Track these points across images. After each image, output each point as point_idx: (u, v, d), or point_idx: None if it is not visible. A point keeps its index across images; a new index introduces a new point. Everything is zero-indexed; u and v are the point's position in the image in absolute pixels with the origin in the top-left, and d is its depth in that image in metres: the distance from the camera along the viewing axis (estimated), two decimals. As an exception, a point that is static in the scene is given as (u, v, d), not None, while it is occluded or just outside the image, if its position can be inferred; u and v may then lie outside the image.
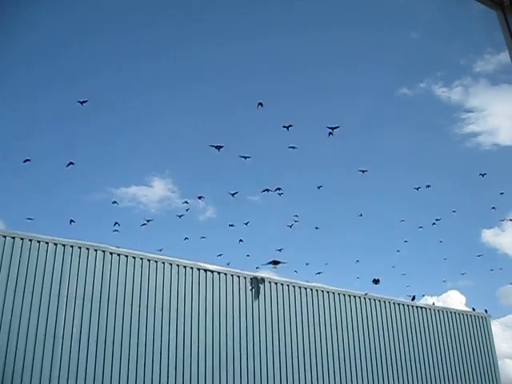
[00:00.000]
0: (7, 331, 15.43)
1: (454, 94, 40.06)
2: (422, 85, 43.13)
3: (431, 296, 35.10)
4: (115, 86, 38.68)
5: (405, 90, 40.67)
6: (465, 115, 40.00)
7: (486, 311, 26.90)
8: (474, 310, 26.71)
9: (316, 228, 28.71)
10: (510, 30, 3.01)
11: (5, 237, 16.35)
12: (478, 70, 42.22)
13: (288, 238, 39.70)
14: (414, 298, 25.46)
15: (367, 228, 42.39)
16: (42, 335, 15.93)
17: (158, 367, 17.49)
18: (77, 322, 16.63)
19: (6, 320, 15.51)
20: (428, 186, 26.80)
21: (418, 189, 26.85)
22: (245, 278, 20.58)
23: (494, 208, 27.12)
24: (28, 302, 16.06)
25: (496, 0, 3.09)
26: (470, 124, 42.62)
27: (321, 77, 39.71)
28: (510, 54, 2.99)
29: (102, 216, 39.34)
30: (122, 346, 17.11)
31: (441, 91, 41.54)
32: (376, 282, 25.28)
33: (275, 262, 21.99)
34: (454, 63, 40.12)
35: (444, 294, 37.76)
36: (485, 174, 28.94)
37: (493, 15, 3.19)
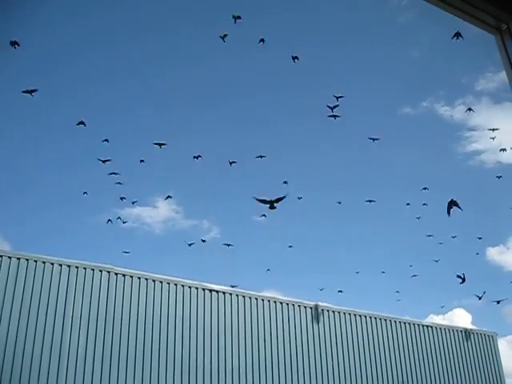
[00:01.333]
0: (12, 352, 15.41)
1: (457, 113, 40.20)
2: (424, 104, 43.29)
3: (437, 315, 34.99)
4: (119, 105, 38.79)
5: (408, 109, 40.84)
6: (468, 133, 40.11)
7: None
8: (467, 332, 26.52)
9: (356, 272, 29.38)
10: (507, 55, 3.04)
11: (10, 258, 16.37)
12: (479, 88, 42.41)
13: (289, 259, 39.77)
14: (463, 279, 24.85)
15: (373, 247, 42.35)
16: (48, 356, 15.90)
17: (164, 388, 17.45)
18: (82, 342, 16.60)
19: (11, 341, 15.49)
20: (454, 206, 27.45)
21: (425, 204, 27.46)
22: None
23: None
24: (33, 323, 16.05)
25: (493, 24, 3.12)
26: (473, 142, 42.70)
27: (321, 95, 39.81)
28: (508, 78, 3.02)
29: (107, 237, 39.33)
30: (128, 366, 17.07)
31: (443, 110, 41.69)
32: (462, 280, 24.86)
33: (272, 203, 18.90)
34: (455, 82, 40.31)
35: (450, 312, 37.55)
36: (500, 176, 29.36)
37: (491, 38, 3.22)
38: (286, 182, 26.45)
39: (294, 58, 21.95)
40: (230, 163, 24.83)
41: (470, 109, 29.06)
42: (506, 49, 3.05)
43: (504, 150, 31.07)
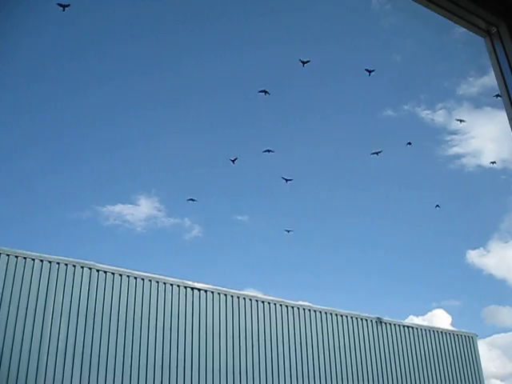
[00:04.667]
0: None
1: (438, 117, 40.54)
2: (406, 107, 43.55)
3: (417, 316, 35.17)
4: (102, 105, 38.58)
5: (389, 112, 41.02)
6: (448, 137, 40.45)
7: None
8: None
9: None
10: (497, 58, 3.04)
11: (-10, 253, 16.26)
12: (461, 92, 42.76)
13: (276, 257, 39.86)
14: None
15: (353, 247, 42.55)
16: (27, 351, 15.80)
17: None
18: (62, 337, 16.52)
19: (-9, 336, 15.39)
20: (437, 206, 28.33)
21: (438, 206, 28.24)
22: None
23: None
24: (13, 318, 15.93)
25: (483, 27, 3.12)
26: (454, 146, 43.07)
27: (305, 97, 39.91)
28: (497, 81, 3.02)
29: (88, 234, 39.12)
30: (108, 362, 17.00)
31: (424, 113, 42.02)
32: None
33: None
34: (437, 86, 40.63)
35: (429, 313, 37.80)
36: (494, 162, 29.73)
37: (476, 39, 3.23)
38: (287, 180, 26.79)
39: (304, 62, 22.39)
40: (232, 161, 25.18)
41: (461, 120, 29.25)
42: (495, 51, 3.05)
43: (494, 162, 31.60)
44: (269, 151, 24.61)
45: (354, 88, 40.43)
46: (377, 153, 24.98)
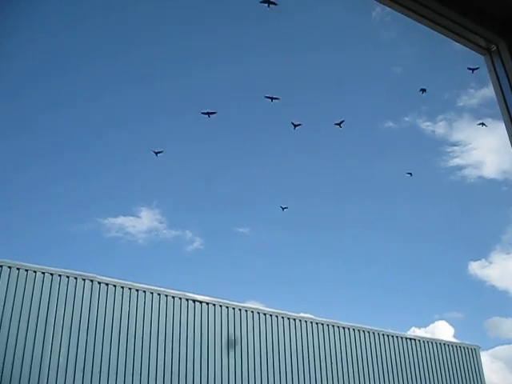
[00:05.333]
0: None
1: (439, 128, 40.64)
2: (406, 119, 43.67)
3: (419, 328, 35.06)
4: (103, 117, 38.65)
5: (390, 124, 41.14)
6: (449, 149, 40.49)
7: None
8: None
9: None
10: (497, 75, 3.05)
11: (-8, 265, 16.25)
12: (461, 104, 42.88)
13: (277, 270, 39.82)
14: None
15: (354, 259, 42.50)
16: (29, 363, 15.77)
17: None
18: (64, 350, 16.48)
19: (-8, 349, 15.36)
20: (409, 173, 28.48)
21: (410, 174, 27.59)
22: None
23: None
24: (14, 331, 15.91)
25: (483, 45, 3.12)
26: (455, 157, 43.06)
27: (306, 108, 40.08)
28: (497, 99, 3.02)
29: (90, 246, 39.12)
30: (110, 375, 16.95)
31: (425, 125, 42.13)
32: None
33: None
34: (437, 98, 40.73)
35: (431, 325, 37.67)
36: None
37: (475, 55, 3.23)
38: (283, 208, 27.09)
39: (296, 125, 22.55)
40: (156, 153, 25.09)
41: (483, 124, 29.12)
42: (495, 69, 3.05)
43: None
44: (272, 98, 23.95)
45: (355, 99, 40.57)
46: (339, 123, 24.46)
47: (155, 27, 37.31)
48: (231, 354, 19.53)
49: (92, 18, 34.77)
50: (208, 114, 23.08)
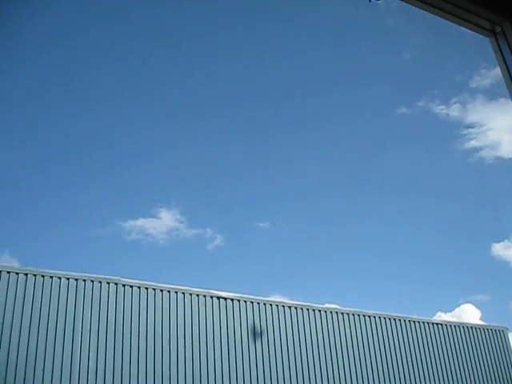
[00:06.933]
0: (24, 368, 15.42)
1: (453, 111, 40.24)
2: (419, 103, 43.29)
3: (445, 313, 34.90)
4: (119, 120, 38.79)
5: (403, 110, 40.83)
6: (465, 131, 40.10)
7: None
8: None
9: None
10: (503, 57, 3.06)
11: (18, 274, 16.40)
12: (474, 85, 42.44)
13: (300, 262, 39.82)
14: None
15: (375, 249, 42.31)
16: (59, 371, 15.91)
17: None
18: (92, 355, 16.61)
19: (22, 357, 15.50)
20: None
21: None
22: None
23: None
24: (43, 338, 16.07)
25: (487, 27, 3.14)
26: (471, 140, 42.66)
27: (319, 99, 39.96)
28: (504, 80, 3.04)
29: (112, 249, 39.32)
30: (139, 378, 17.07)
31: (439, 109, 41.78)
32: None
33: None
34: (449, 80, 40.35)
35: (457, 309, 37.48)
36: None
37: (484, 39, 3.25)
38: None
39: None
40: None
41: None
42: (501, 51, 3.07)
43: None
44: None
45: (366, 88, 40.36)
46: None
47: (156, 30, 37.37)
48: (258, 348, 19.60)
49: (92, 26, 34.81)
50: None
